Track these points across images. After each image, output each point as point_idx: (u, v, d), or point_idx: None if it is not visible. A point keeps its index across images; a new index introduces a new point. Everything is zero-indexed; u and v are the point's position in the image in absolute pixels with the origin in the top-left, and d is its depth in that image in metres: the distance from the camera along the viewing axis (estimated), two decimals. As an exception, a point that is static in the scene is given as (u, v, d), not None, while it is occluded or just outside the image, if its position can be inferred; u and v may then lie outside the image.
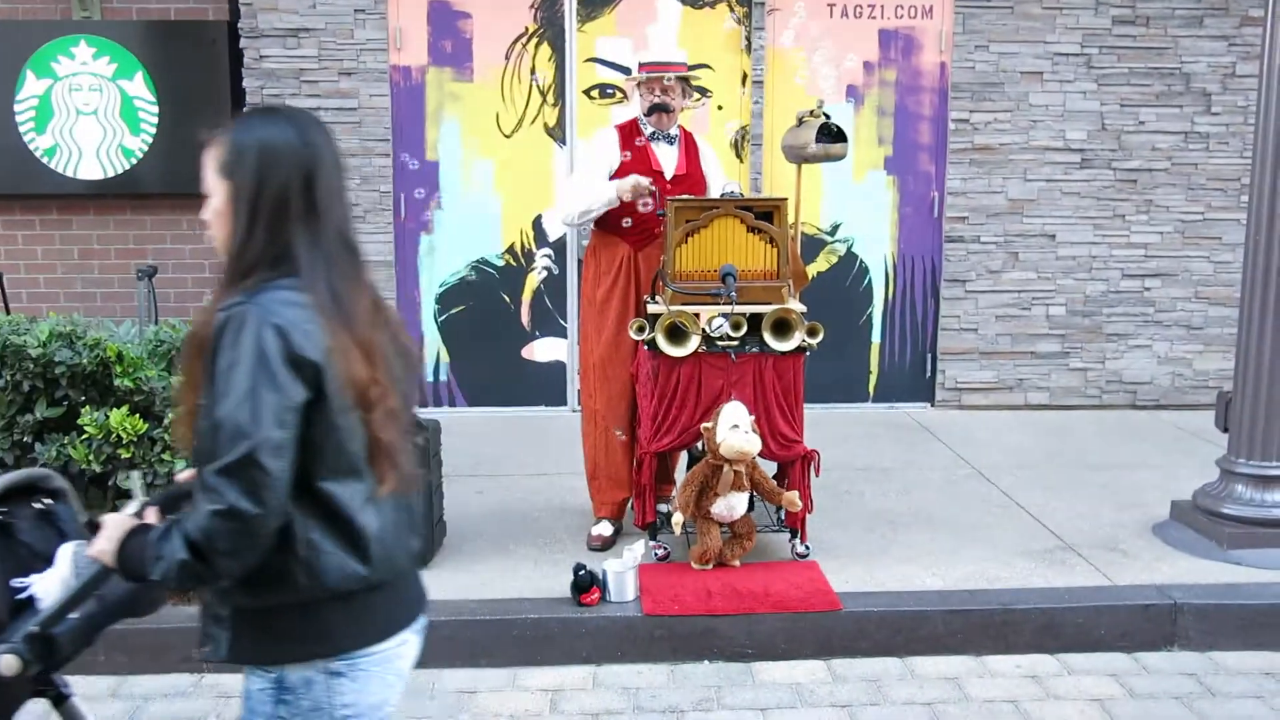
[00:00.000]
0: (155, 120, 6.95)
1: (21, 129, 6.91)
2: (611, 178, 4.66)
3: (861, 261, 7.31)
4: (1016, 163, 7.16)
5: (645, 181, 4.56)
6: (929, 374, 7.42)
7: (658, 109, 4.67)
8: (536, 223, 7.12)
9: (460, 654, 3.99)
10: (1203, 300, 7.35)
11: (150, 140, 6.97)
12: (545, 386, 7.31)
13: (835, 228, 7.25)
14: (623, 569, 4.13)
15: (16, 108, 6.89)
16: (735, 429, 4.21)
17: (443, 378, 7.26)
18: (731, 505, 4.35)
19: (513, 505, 5.33)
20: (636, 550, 4.22)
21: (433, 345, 7.22)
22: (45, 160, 6.94)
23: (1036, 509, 5.25)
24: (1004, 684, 3.87)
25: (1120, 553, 4.65)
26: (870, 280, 7.33)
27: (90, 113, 6.94)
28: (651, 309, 4.48)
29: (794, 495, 4.41)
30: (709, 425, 4.29)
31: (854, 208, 7.26)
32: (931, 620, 4.11)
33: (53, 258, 7.20)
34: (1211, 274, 7.33)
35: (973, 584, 4.34)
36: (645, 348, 4.46)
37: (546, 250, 7.18)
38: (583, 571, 4.09)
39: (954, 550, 4.71)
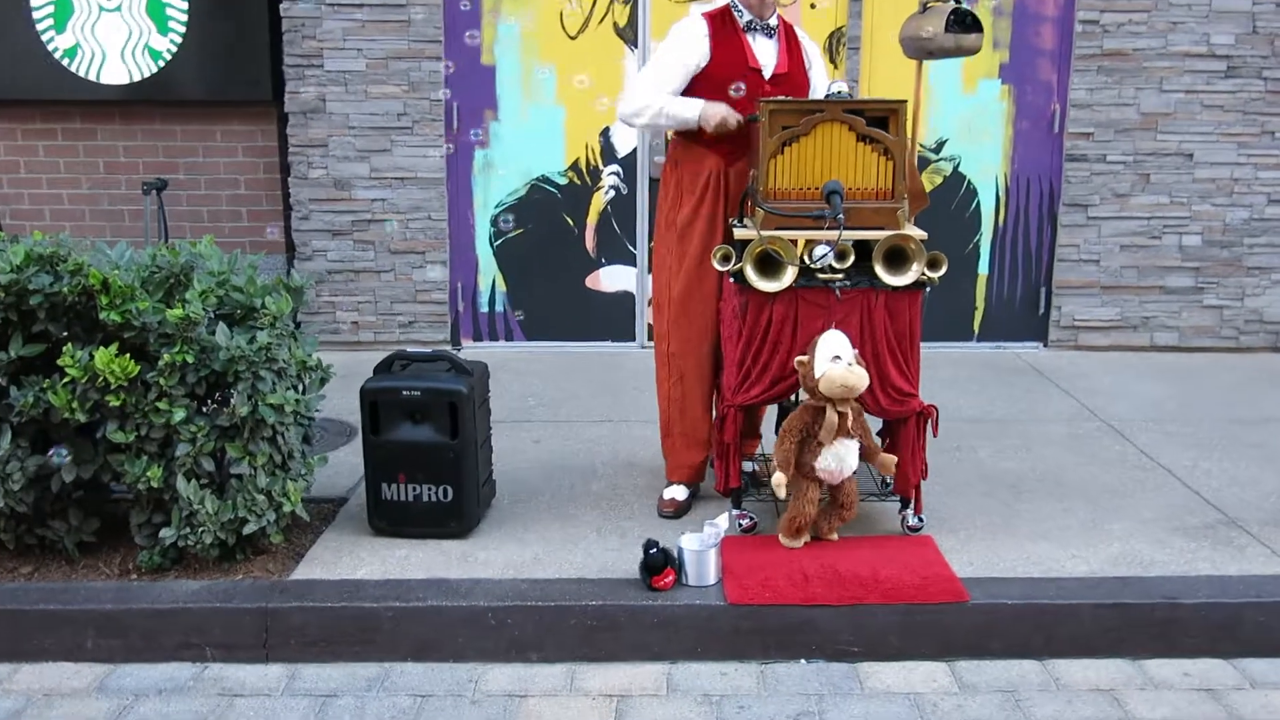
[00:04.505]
0: (185, 18, 6.26)
1: (39, 26, 6.24)
2: (701, 74, 3.90)
3: (969, 182, 6.49)
4: (1152, 71, 6.27)
5: (735, 120, 3.81)
6: (1042, 310, 6.62)
7: None
8: (604, 136, 6.39)
9: (507, 647, 3.34)
10: (1361, 230, 6.47)
11: (180, 40, 6.28)
12: (612, 320, 6.61)
13: (940, 144, 6.44)
14: (702, 548, 3.44)
15: (34, 2, 6.23)
16: (837, 360, 3.49)
17: (498, 308, 6.59)
18: (841, 457, 3.61)
19: (573, 458, 4.66)
20: (719, 525, 3.52)
21: (487, 272, 6.54)
22: (65, 62, 6.28)
23: (1184, 473, 4.49)
24: (1172, 699, 3.14)
25: (1299, 532, 3.89)
26: (978, 204, 6.52)
27: (114, 9, 6.25)
28: (739, 234, 3.72)
29: (890, 459, 3.69)
30: (803, 359, 3.56)
31: (963, 121, 6.43)
32: (1078, 615, 3.37)
33: (76, 171, 6.58)
34: (1373, 200, 6.44)
35: (1124, 569, 3.60)
36: (731, 280, 3.73)
37: (615, 167, 6.44)
38: (655, 550, 3.39)
39: (1093, 524, 3.97)
